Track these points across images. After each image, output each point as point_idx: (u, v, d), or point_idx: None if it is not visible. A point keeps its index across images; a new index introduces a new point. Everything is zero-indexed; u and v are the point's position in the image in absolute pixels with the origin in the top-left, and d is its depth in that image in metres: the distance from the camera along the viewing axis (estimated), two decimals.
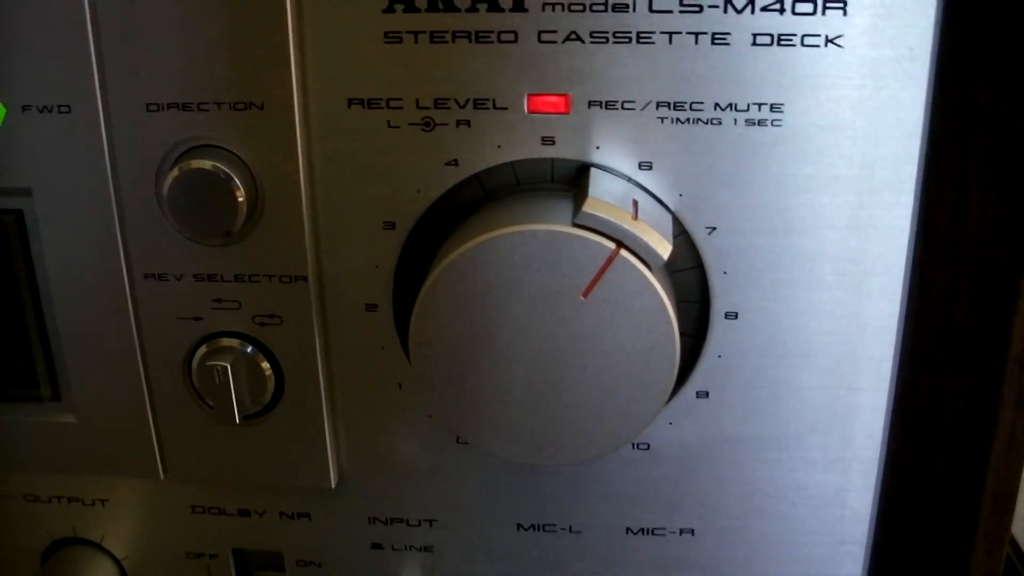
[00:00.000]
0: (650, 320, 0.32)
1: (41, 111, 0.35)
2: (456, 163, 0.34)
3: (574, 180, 0.34)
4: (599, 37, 0.32)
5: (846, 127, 0.33)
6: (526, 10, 0.32)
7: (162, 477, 0.40)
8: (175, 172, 0.34)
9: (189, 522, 0.42)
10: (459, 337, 0.33)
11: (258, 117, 0.34)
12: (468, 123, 0.34)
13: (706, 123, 0.33)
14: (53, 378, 0.39)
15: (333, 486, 0.39)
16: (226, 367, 0.36)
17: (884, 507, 0.38)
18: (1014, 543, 0.46)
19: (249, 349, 0.37)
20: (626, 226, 0.31)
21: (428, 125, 0.34)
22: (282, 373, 0.37)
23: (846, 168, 0.33)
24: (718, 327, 0.35)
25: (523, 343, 0.33)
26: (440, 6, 0.32)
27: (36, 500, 0.43)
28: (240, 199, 0.34)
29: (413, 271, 0.36)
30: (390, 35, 0.33)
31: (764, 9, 0.32)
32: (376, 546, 0.41)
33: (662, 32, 0.32)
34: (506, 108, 0.33)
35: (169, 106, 0.34)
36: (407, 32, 0.33)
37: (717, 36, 0.32)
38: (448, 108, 0.33)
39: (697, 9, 0.32)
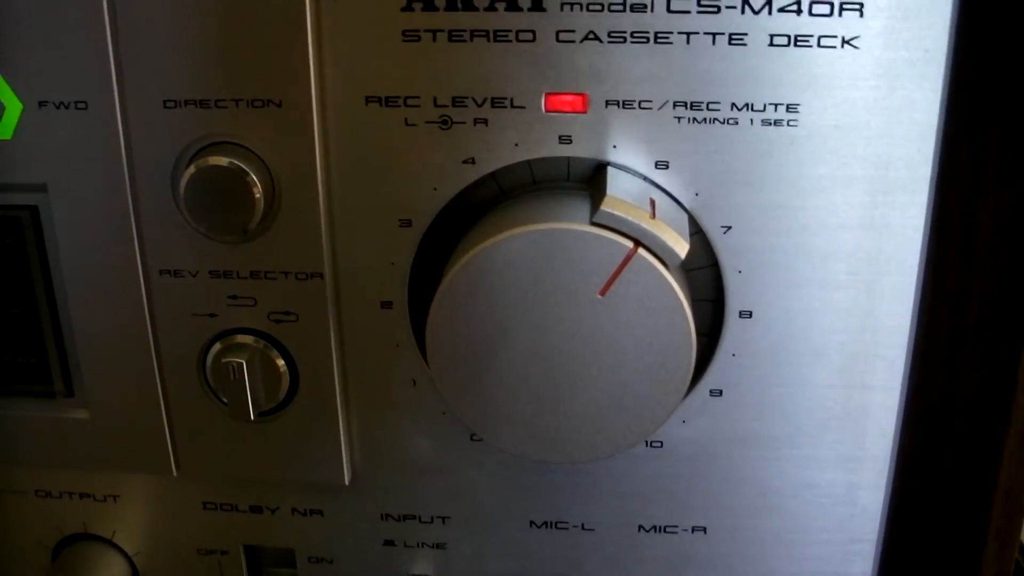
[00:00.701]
0: (667, 319, 0.32)
1: (58, 107, 0.35)
2: (473, 161, 0.34)
3: (591, 179, 0.34)
4: (617, 37, 0.32)
5: (861, 127, 0.33)
6: (544, 9, 0.32)
7: (175, 473, 0.40)
8: (192, 169, 0.34)
9: (201, 518, 0.42)
10: (476, 335, 0.33)
11: (276, 114, 0.34)
12: (485, 121, 0.34)
13: (723, 123, 0.33)
14: (67, 374, 0.39)
15: (347, 482, 0.39)
16: (241, 364, 0.36)
17: (895, 505, 0.38)
18: None
19: (264, 346, 0.37)
20: (644, 225, 0.32)
21: (445, 123, 0.34)
22: (297, 370, 0.37)
23: (861, 168, 0.33)
24: (733, 326, 0.36)
25: (540, 341, 0.33)
26: (459, 5, 0.32)
27: (48, 496, 0.43)
28: (257, 196, 0.34)
29: (429, 269, 0.36)
30: (408, 33, 0.33)
31: (781, 10, 0.32)
32: (388, 543, 0.41)
33: (680, 32, 0.32)
34: (523, 107, 0.33)
35: (187, 103, 0.34)
36: (425, 31, 0.33)
37: (734, 36, 0.32)
38: (465, 106, 0.34)
39: (715, 10, 0.32)
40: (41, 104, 0.35)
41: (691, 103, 0.33)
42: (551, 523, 0.40)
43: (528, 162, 0.34)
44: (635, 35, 0.32)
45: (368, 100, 0.34)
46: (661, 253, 0.32)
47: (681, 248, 0.32)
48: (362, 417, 0.38)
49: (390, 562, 0.41)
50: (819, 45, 0.32)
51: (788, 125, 0.33)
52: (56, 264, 0.37)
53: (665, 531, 0.39)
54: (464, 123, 0.34)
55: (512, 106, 0.34)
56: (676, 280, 0.32)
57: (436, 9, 0.33)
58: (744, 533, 0.39)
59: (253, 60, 0.33)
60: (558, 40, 0.33)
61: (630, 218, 0.32)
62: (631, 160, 0.34)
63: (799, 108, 0.33)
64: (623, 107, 0.33)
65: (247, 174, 0.34)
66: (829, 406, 0.36)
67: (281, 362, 0.37)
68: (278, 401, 0.37)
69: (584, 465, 0.38)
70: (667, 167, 0.34)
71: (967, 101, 0.32)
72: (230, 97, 0.34)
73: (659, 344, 0.33)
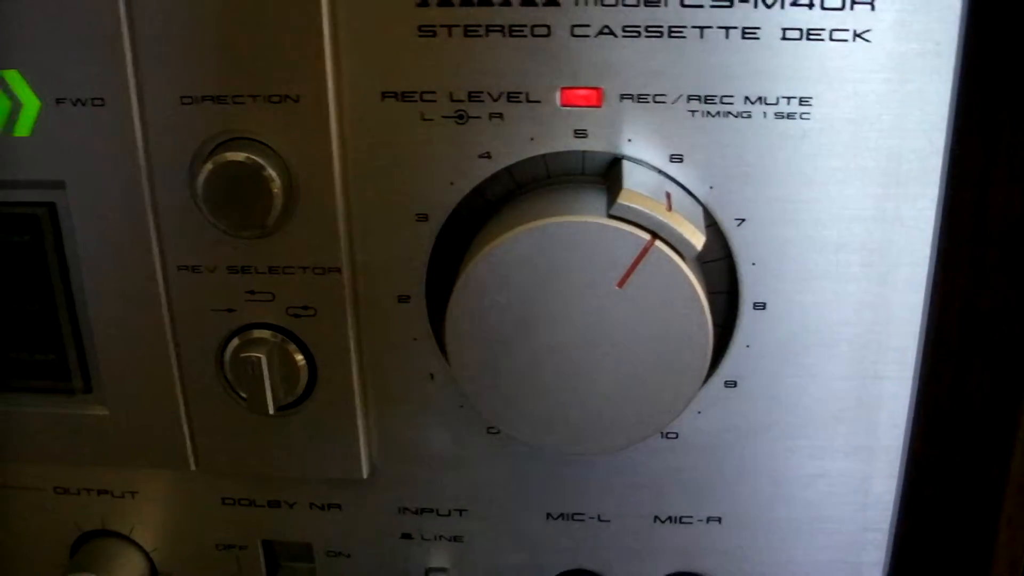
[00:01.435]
0: (684, 310, 0.33)
1: (75, 104, 0.35)
2: (489, 156, 0.35)
3: (605, 173, 0.35)
4: (631, 31, 0.33)
5: (873, 120, 0.33)
6: (559, 4, 0.33)
7: (193, 468, 0.40)
8: (210, 165, 0.34)
9: (219, 514, 0.42)
10: (495, 327, 0.33)
11: (293, 110, 0.34)
12: (501, 116, 0.34)
13: (736, 116, 0.34)
14: (85, 370, 0.39)
15: (365, 476, 0.39)
16: (260, 358, 0.36)
17: (907, 495, 0.38)
18: None
19: (282, 340, 0.37)
20: (661, 217, 0.32)
21: (461, 118, 0.34)
22: (315, 364, 0.37)
23: (873, 160, 0.34)
24: (747, 317, 0.36)
25: (558, 333, 0.33)
26: (474, 0, 0.33)
27: (66, 492, 0.43)
28: (275, 191, 0.34)
29: (446, 263, 0.36)
30: (424, 28, 0.33)
31: (793, 4, 0.32)
32: (406, 536, 0.41)
33: (693, 26, 0.33)
34: (539, 101, 0.34)
35: (204, 99, 0.34)
36: (441, 26, 0.33)
37: (747, 30, 0.33)
38: (481, 101, 0.34)
39: (728, 4, 0.32)
40: (59, 101, 0.35)
41: (705, 97, 0.33)
42: (567, 515, 0.40)
43: (543, 156, 0.35)
44: (649, 29, 0.33)
45: (384, 95, 0.34)
46: (678, 245, 0.32)
47: (698, 240, 0.32)
48: (380, 411, 0.39)
49: (407, 555, 0.42)
50: (831, 39, 0.32)
51: (801, 118, 0.33)
52: (74, 261, 0.38)
53: (681, 522, 0.40)
54: (480, 118, 0.34)
55: (527, 100, 0.34)
56: (693, 272, 0.32)
57: (452, 4, 0.33)
58: (758, 523, 0.39)
59: (270, 56, 0.34)
60: (573, 35, 0.33)
61: (647, 210, 0.32)
62: (646, 154, 0.34)
63: (812, 101, 0.33)
64: (637, 101, 0.34)
65: (264, 169, 0.34)
66: (842, 397, 0.37)
67: (299, 356, 0.37)
68: (297, 395, 0.38)
69: (601, 457, 0.38)
70: (682, 160, 0.34)
71: (978, 93, 0.33)
72: (247, 93, 0.34)
73: (676, 335, 0.33)
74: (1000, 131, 0.33)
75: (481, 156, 0.35)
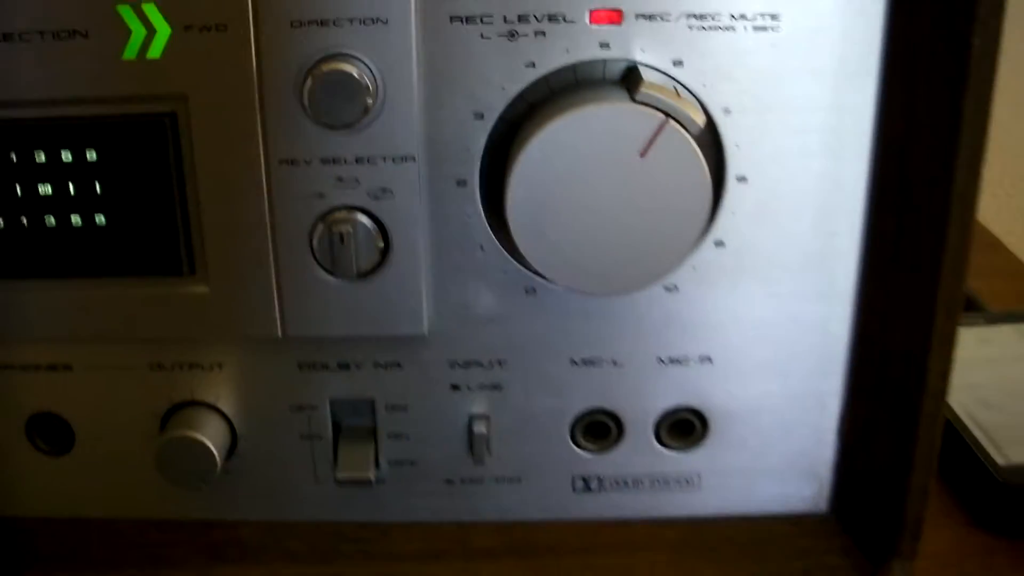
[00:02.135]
0: (690, 174, 0.43)
1: (201, 31, 0.44)
2: (534, 65, 0.44)
3: (623, 77, 0.45)
4: None
5: (827, 29, 0.44)
6: None
7: (279, 335, 0.49)
8: (315, 75, 0.43)
9: (295, 378, 0.51)
10: (546, 196, 0.43)
11: (382, 30, 0.43)
12: (544, 33, 0.44)
13: (723, 29, 0.44)
14: (191, 254, 0.47)
15: (426, 333, 0.48)
16: (349, 231, 0.45)
17: (859, 332, 0.49)
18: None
19: (364, 217, 0.46)
20: (672, 102, 0.42)
21: (513, 36, 0.44)
22: (389, 237, 0.46)
23: (828, 61, 0.44)
24: (732, 189, 0.46)
25: (593, 197, 0.43)
26: None
27: (160, 367, 0.51)
28: (366, 95, 0.43)
29: (497, 153, 0.46)
30: None
31: None
32: (454, 387, 0.50)
33: None
34: (573, 21, 0.44)
35: (310, 22, 0.43)
36: None
37: None
38: (528, 22, 0.44)
39: None
40: (187, 28, 0.44)
41: (699, 15, 0.44)
42: (588, 360, 0.50)
43: (574, 65, 0.44)
44: None
45: (452, 19, 0.44)
46: (685, 123, 0.42)
47: (700, 119, 0.42)
48: (438, 277, 0.48)
49: (455, 405, 0.51)
50: None
51: (772, 30, 0.44)
52: (189, 161, 0.46)
53: (680, 362, 0.50)
54: (527, 35, 0.44)
55: (564, 21, 0.44)
56: (698, 145, 0.43)
57: None
58: (743, 361, 0.49)
59: None
60: None
61: (663, 97, 0.42)
62: (654, 60, 0.44)
63: (780, 16, 0.44)
64: (649, 19, 0.44)
65: (359, 77, 0.43)
66: (808, 251, 0.47)
67: (377, 231, 0.46)
68: (374, 264, 0.47)
69: (614, 308, 0.48)
70: (682, 65, 0.44)
71: (905, 4, 0.43)
72: (345, 17, 0.43)
73: (685, 194, 0.43)
74: (922, 31, 0.43)
75: (527, 65, 0.44)
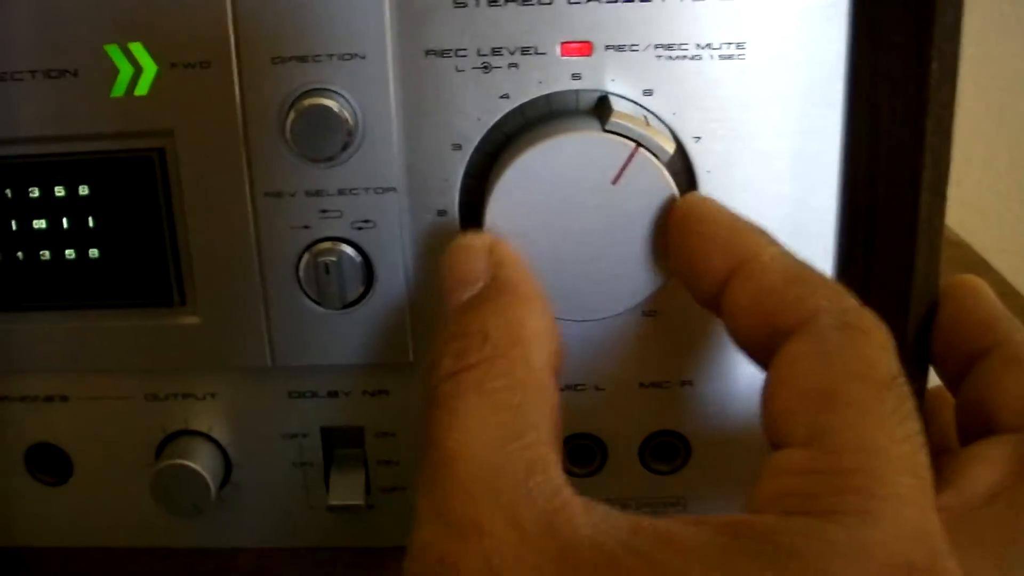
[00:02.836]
0: (661, 202, 0.44)
1: (186, 67, 0.45)
2: (507, 96, 0.46)
3: (594, 107, 0.46)
4: None
5: (791, 57, 0.45)
6: None
7: (270, 364, 0.50)
8: (296, 110, 0.45)
9: (286, 406, 0.52)
10: (522, 223, 0.44)
11: (361, 65, 0.45)
12: (517, 65, 0.45)
13: (690, 59, 0.45)
14: (181, 285, 0.49)
15: (412, 360, 0.50)
16: (333, 262, 0.47)
17: None
18: None
19: (348, 248, 0.47)
20: (642, 130, 0.43)
21: (487, 68, 0.45)
22: (372, 267, 0.48)
23: (794, 87, 0.45)
24: None
25: (570, 225, 0.44)
26: None
27: (155, 399, 0.52)
28: (346, 128, 0.45)
29: (475, 183, 0.47)
30: (458, 1, 0.44)
31: None
32: None
33: None
34: (545, 53, 0.45)
35: (290, 58, 0.45)
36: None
37: None
38: (502, 55, 0.45)
39: None
40: (172, 65, 0.45)
41: (667, 45, 0.45)
42: (571, 386, 0.51)
43: (547, 96, 0.46)
44: None
45: (427, 52, 0.45)
46: (656, 151, 0.44)
47: (670, 146, 0.44)
48: (422, 305, 0.49)
49: None
50: None
51: (738, 58, 0.45)
52: (177, 196, 0.47)
53: (661, 386, 0.50)
54: (501, 67, 0.45)
55: (536, 53, 0.45)
56: (668, 172, 0.44)
57: None
58: (723, 384, 0.50)
59: (342, 24, 0.44)
60: (569, 2, 0.44)
61: (633, 125, 0.43)
62: (625, 89, 0.46)
63: (746, 45, 0.45)
64: (618, 50, 0.45)
65: (339, 110, 0.45)
66: None
67: (361, 261, 0.47)
68: (358, 294, 0.48)
69: (595, 333, 0.49)
70: (652, 94, 0.46)
71: (865, 33, 0.45)
72: (325, 52, 0.45)
73: (656, 221, 0.44)
74: (884, 61, 0.45)
75: (501, 97, 0.46)
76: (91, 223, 0.48)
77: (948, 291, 0.47)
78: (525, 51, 0.45)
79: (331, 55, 0.45)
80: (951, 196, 0.46)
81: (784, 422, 0.36)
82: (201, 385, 0.52)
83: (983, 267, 0.87)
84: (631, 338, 0.50)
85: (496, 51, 0.45)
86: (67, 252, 0.48)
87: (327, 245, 0.47)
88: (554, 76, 0.45)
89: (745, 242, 0.41)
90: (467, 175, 0.47)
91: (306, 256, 0.48)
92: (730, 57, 0.45)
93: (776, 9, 0.44)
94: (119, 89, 0.45)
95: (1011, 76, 1.28)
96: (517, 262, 0.42)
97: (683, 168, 0.47)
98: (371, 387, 0.51)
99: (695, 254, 0.42)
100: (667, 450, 0.52)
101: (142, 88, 0.46)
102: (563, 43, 0.45)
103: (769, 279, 0.40)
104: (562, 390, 0.49)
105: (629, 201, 0.44)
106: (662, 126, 0.46)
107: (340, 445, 0.53)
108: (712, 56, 0.45)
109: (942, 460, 0.43)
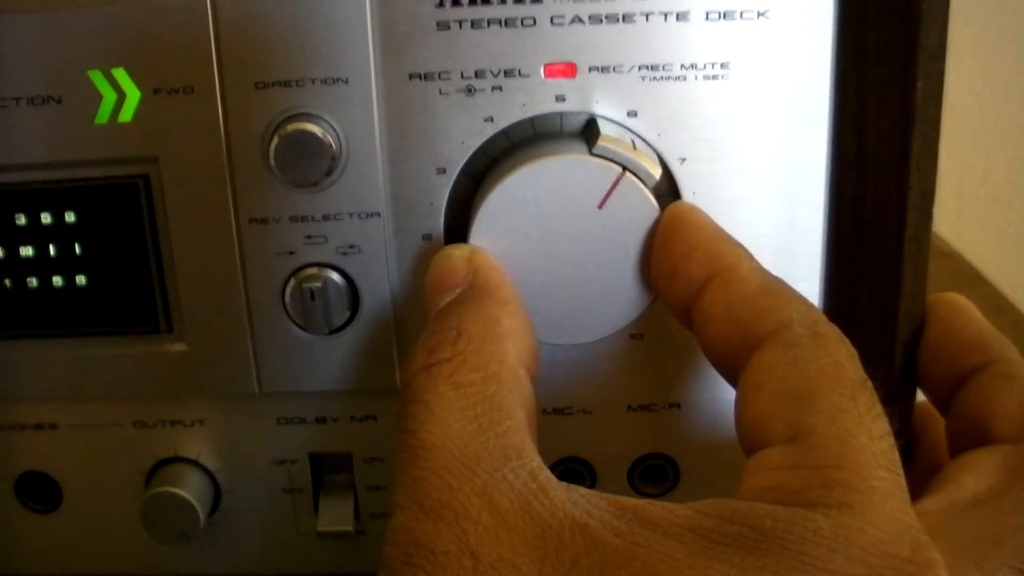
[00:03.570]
0: (647, 225, 0.44)
1: (169, 93, 0.45)
2: (492, 119, 0.45)
3: (580, 130, 0.46)
4: (595, 19, 0.44)
5: (776, 76, 0.45)
6: (542, 2, 0.44)
7: (257, 391, 0.50)
8: (279, 135, 0.44)
9: (275, 433, 0.52)
10: (508, 249, 0.44)
11: (344, 89, 0.45)
12: (500, 88, 0.45)
13: (675, 80, 0.45)
14: (167, 313, 0.49)
15: (399, 385, 0.49)
16: (319, 288, 0.47)
17: None
18: None
19: (334, 274, 0.47)
20: (629, 154, 0.43)
21: (470, 91, 0.45)
22: (358, 292, 0.48)
23: (779, 107, 0.45)
24: None
25: (556, 249, 0.44)
26: (478, 1, 0.44)
27: (144, 426, 0.52)
28: (330, 153, 0.45)
29: (460, 207, 0.47)
30: (440, 24, 0.44)
31: None
32: None
33: (641, 13, 0.44)
34: (528, 75, 0.45)
35: (274, 83, 0.45)
36: (454, 21, 0.44)
37: (680, 14, 0.44)
38: (485, 77, 0.45)
39: None
40: (156, 91, 0.45)
41: (651, 66, 0.45)
42: (559, 409, 0.50)
43: (532, 118, 0.46)
44: (608, 17, 0.44)
45: (411, 76, 0.45)
46: (642, 175, 0.43)
47: (656, 171, 0.43)
48: (408, 330, 0.49)
49: None
50: (741, 17, 0.44)
51: (722, 79, 0.45)
52: (163, 223, 0.47)
53: (649, 409, 0.50)
54: (484, 90, 0.45)
55: (519, 75, 0.45)
56: (654, 197, 0.44)
57: (461, 5, 0.44)
58: (710, 407, 0.50)
59: (325, 48, 0.44)
60: (552, 24, 0.44)
61: (619, 149, 0.43)
62: (610, 111, 0.45)
63: (730, 66, 0.45)
64: (602, 72, 0.45)
65: (322, 136, 0.44)
66: None
67: (346, 286, 0.47)
68: (344, 319, 0.48)
69: (582, 357, 0.49)
70: (636, 115, 0.45)
71: (851, 51, 0.45)
72: (307, 77, 0.45)
73: (641, 245, 0.44)
74: (869, 82, 0.44)
75: (485, 120, 0.46)
76: (78, 250, 0.48)
77: (933, 309, 0.47)
78: (509, 73, 0.45)
79: (314, 79, 0.45)
80: (949, 207, 0.46)
81: (763, 425, 0.37)
82: (190, 412, 0.52)
83: (976, 279, 0.86)
84: (618, 361, 0.49)
85: (480, 74, 0.45)
86: (54, 279, 0.48)
87: (312, 271, 0.47)
88: (538, 98, 0.45)
89: (725, 252, 0.42)
90: (452, 199, 0.47)
91: (291, 282, 0.47)
92: (715, 77, 0.45)
93: (760, 29, 0.44)
94: (103, 116, 0.45)
95: (1008, 86, 1.28)
96: (495, 268, 0.43)
97: (669, 190, 0.46)
98: (359, 413, 0.51)
99: (676, 258, 0.43)
100: (656, 473, 0.52)
101: (126, 114, 0.46)
102: (547, 65, 0.45)
103: (745, 289, 0.40)
104: (550, 414, 0.49)
105: (614, 225, 0.44)
106: (649, 150, 0.45)
107: (329, 471, 0.53)
108: (697, 77, 0.45)
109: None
